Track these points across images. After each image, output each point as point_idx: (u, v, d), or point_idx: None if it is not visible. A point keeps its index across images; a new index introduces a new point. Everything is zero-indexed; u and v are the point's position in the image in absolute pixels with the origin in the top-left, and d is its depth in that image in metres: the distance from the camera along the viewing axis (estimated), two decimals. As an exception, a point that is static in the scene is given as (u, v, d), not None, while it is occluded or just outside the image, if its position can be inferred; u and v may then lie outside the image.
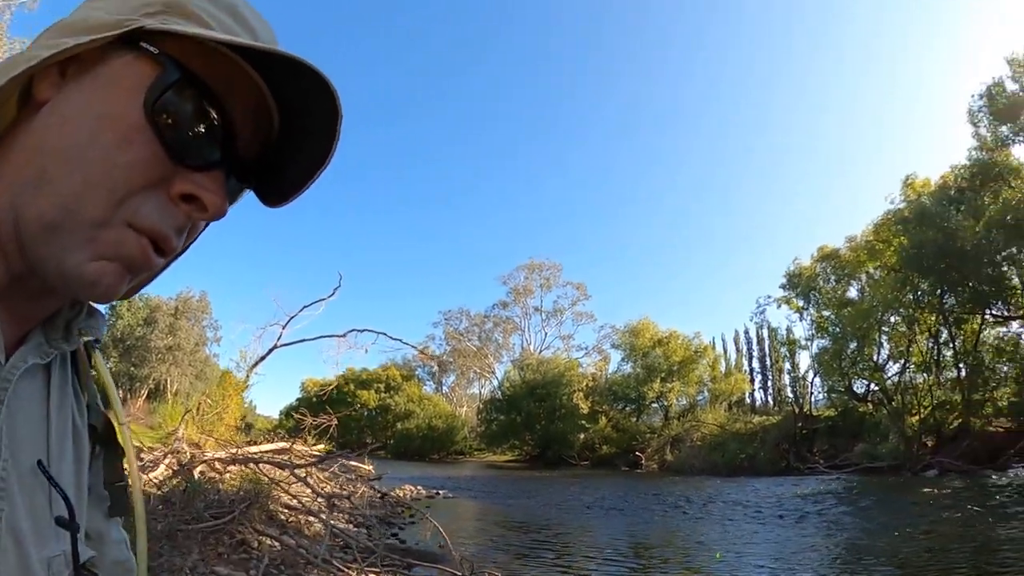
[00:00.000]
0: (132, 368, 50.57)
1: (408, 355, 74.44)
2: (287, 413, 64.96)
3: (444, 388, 76.76)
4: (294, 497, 10.20)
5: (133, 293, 0.83)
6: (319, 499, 11.28)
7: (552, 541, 12.57)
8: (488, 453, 58.93)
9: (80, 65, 0.68)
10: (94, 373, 0.88)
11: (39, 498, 0.71)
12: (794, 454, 33.27)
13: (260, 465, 10.29)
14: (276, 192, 0.81)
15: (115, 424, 0.88)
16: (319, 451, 15.25)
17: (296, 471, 10.77)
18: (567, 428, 49.29)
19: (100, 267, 0.66)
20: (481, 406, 62.89)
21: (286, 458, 12.39)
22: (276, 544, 8.51)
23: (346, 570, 7.71)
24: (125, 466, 0.89)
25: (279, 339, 20.20)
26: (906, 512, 14.09)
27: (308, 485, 10.13)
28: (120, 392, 10.65)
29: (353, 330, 17.85)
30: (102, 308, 0.85)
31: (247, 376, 19.04)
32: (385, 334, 17.46)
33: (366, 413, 66.22)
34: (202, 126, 0.68)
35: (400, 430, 61.50)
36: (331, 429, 15.54)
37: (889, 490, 19.08)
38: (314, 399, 69.66)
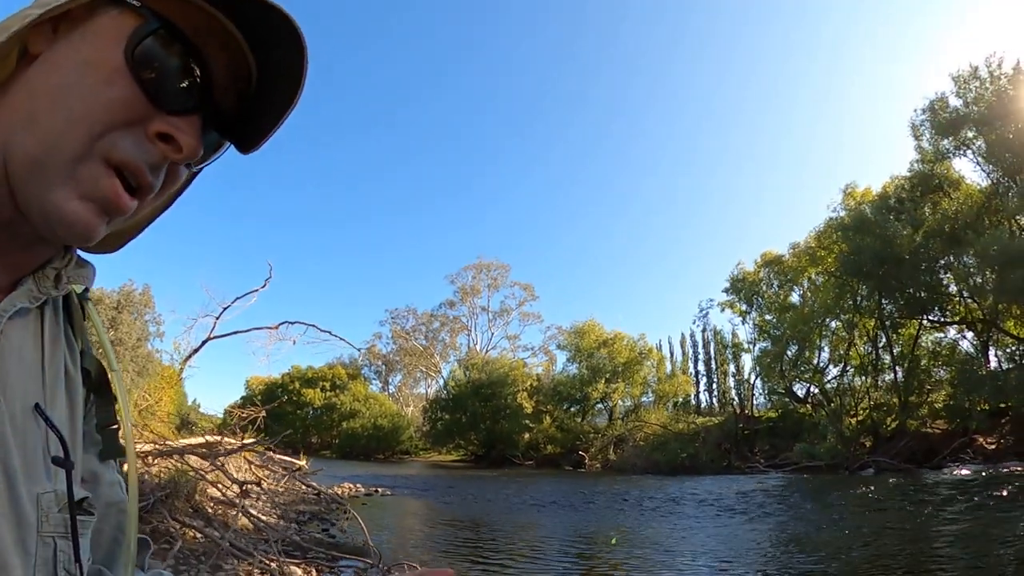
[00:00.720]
0: None
1: (354, 354, 74.12)
2: (231, 412, 64.14)
3: (391, 387, 76.40)
4: (222, 491, 9.98)
5: (120, 245, 0.91)
6: (246, 494, 11.08)
7: (481, 536, 12.62)
8: (434, 453, 58.79)
9: (70, 21, 0.72)
10: (89, 324, 0.93)
11: (32, 439, 0.73)
12: (735, 454, 33.90)
13: (186, 457, 10.03)
14: (248, 139, 0.85)
15: (108, 371, 0.90)
16: (258, 448, 14.95)
17: (220, 461, 10.56)
18: (512, 428, 49.43)
19: (78, 206, 0.69)
20: (427, 405, 62.63)
21: (214, 450, 12.20)
22: (199, 535, 8.33)
23: (268, 562, 7.55)
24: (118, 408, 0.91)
25: (212, 331, 19.90)
26: (843, 508, 14.40)
27: (228, 475, 9.86)
28: None
29: (285, 322, 17.73)
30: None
31: (181, 368, 18.66)
32: (315, 326, 17.43)
33: (311, 412, 65.74)
34: (180, 72, 0.72)
35: (346, 429, 61.13)
36: (260, 422, 15.25)
37: (827, 487, 19.47)
38: (259, 397, 69.44)
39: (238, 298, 19.01)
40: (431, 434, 58.59)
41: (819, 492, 18.34)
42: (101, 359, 0.91)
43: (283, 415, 64.73)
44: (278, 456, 17.09)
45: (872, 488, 17.78)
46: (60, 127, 0.67)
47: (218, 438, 13.25)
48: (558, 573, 8.60)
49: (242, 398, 71.97)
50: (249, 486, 11.14)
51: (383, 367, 75.56)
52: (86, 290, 0.91)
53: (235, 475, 11.17)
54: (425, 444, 60.81)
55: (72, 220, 0.68)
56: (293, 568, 7.67)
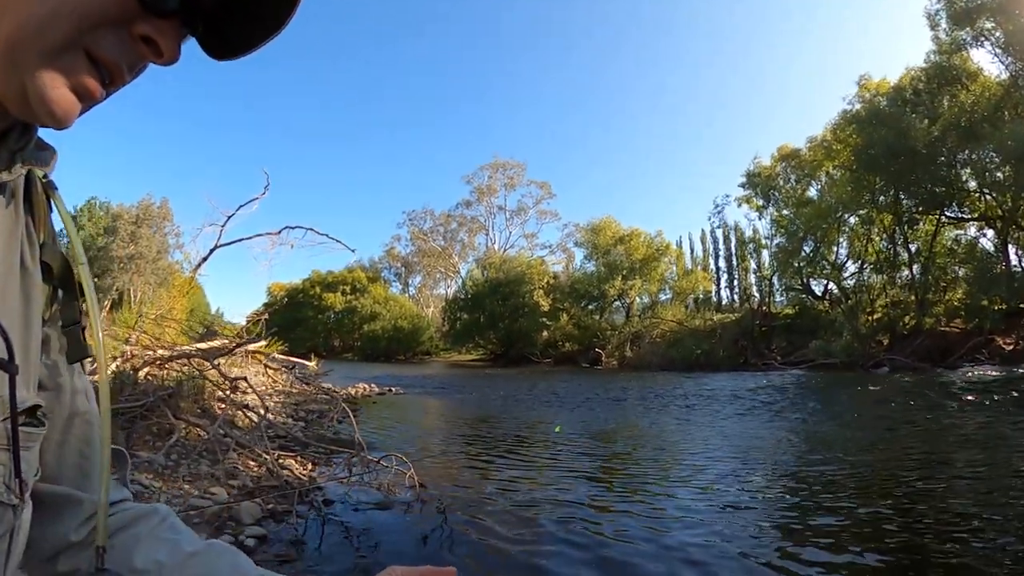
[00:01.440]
0: (95, 280, 49.82)
1: (374, 256, 74.27)
2: (254, 320, 65.09)
3: (411, 289, 77.05)
4: (227, 392, 10.19)
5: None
6: (252, 393, 11.36)
7: (481, 433, 12.67)
8: (454, 353, 59.61)
9: None
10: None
11: None
12: (752, 351, 33.96)
13: (195, 360, 10.22)
14: (227, 46, 0.82)
15: (74, 265, 0.87)
16: (264, 349, 15.22)
17: (224, 362, 10.81)
18: (530, 326, 50.00)
19: (64, 92, 0.68)
20: (445, 305, 63.19)
21: (221, 350, 12.47)
22: (204, 433, 8.56)
23: (264, 454, 7.78)
24: (84, 307, 0.88)
25: (219, 239, 20.01)
26: (857, 405, 14.26)
27: (226, 376, 10.08)
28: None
29: (286, 227, 17.56)
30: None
31: (191, 276, 18.87)
32: (313, 229, 17.22)
33: (333, 316, 66.64)
34: None
35: (367, 332, 62.07)
36: (275, 328, 15.44)
37: (842, 385, 19.32)
38: (280, 303, 70.56)
39: (241, 206, 18.95)
40: (450, 334, 59.42)
41: (834, 389, 18.20)
42: (66, 253, 0.87)
43: (305, 320, 65.93)
44: (291, 359, 17.37)
45: (886, 386, 17.63)
46: (49, 15, 0.65)
47: (229, 341, 13.46)
48: (562, 467, 8.50)
49: (264, 304, 73.30)
50: (257, 387, 11.40)
51: (403, 269, 76.14)
52: (52, 180, 0.88)
53: (250, 379, 11.47)
54: (445, 344, 61.54)
55: (55, 104, 0.67)
56: (289, 460, 7.97)
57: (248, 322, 16.39)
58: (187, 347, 11.59)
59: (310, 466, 8.23)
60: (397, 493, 6.86)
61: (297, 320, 65.57)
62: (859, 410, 13.21)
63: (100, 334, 0.88)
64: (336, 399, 11.25)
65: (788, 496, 6.36)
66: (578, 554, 4.88)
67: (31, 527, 0.77)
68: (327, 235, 17.35)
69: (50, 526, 0.85)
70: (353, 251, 18.24)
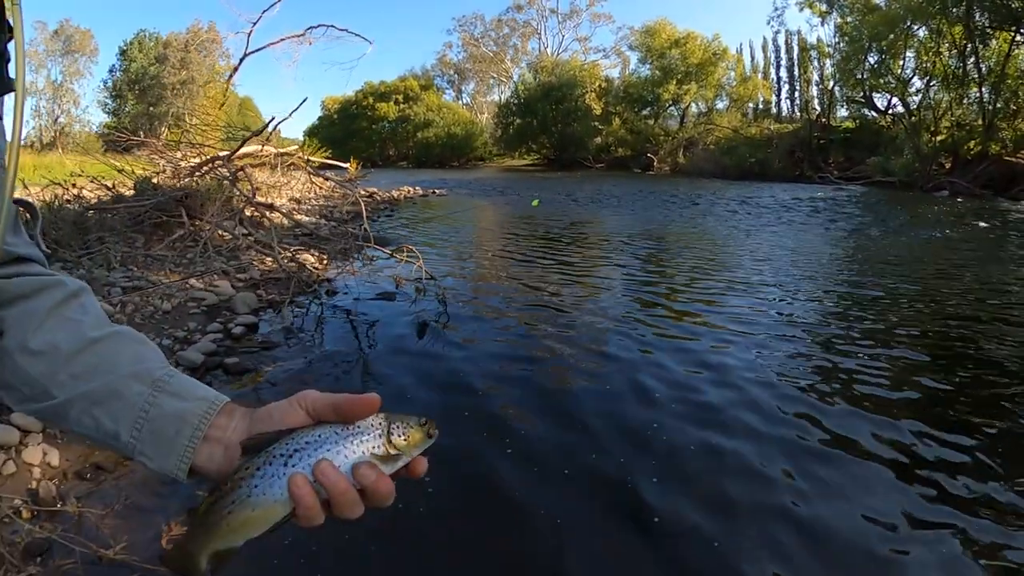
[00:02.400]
0: (150, 108, 50.07)
1: (426, 65, 72.62)
2: (309, 133, 65.58)
3: (464, 97, 75.71)
4: (256, 193, 10.22)
5: None
6: (284, 194, 11.46)
7: (513, 230, 12.65)
8: (507, 158, 59.41)
9: None
10: None
11: None
12: (808, 163, 32.98)
13: (230, 166, 10.20)
14: None
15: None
16: (302, 154, 15.14)
17: (251, 170, 10.87)
18: (582, 130, 49.16)
19: None
20: (497, 110, 62.35)
21: (262, 158, 12.54)
22: (224, 233, 8.67)
23: (283, 251, 7.86)
24: None
25: (247, 48, 19.60)
26: (915, 224, 13.66)
27: (248, 184, 10.06)
28: (141, 133, 10.71)
29: (310, 28, 17.15)
30: None
31: (226, 87, 18.77)
32: (334, 26, 16.83)
33: (386, 125, 66.43)
34: None
35: (420, 140, 61.87)
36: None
37: (899, 204, 18.56)
38: (335, 116, 70.52)
39: (264, 11, 18.47)
40: (503, 139, 59.02)
41: (892, 208, 17.38)
42: None
43: (359, 131, 65.97)
44: (330, 162, 17.37)
45: (946, 210, 16.75)
46: None
47: (260, 147, 13.36)
48: (590, 265, 8.49)
49: (319, 118, 73.19)
50: (296, 192, 11.48)
51: (455, 77, 74.46)
52: None
53: (289, 184, 11.57)
54: (498, 150, 61.19)
55: None
56: (306, 256, 8.06)
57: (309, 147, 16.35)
58: (219, 152, 11.54)
59: (326, 261, 8.34)
60: (403, 285, 6.90)
61: (352, 132, 65.82)
62: (916, 231, 12.56)
63: (24, 70, 0.83)
64: (353, 193, 11.19)
65: (834, 315, 5.94)
66: (577, 353, 4.69)
67: None
68: (346, 29, 16.92)
69: None
70: (370, 43, 17.88)
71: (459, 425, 3.52)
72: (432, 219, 14.66)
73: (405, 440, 0.81)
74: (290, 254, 7.80)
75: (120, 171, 10.01)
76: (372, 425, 0.80)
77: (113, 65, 51.79)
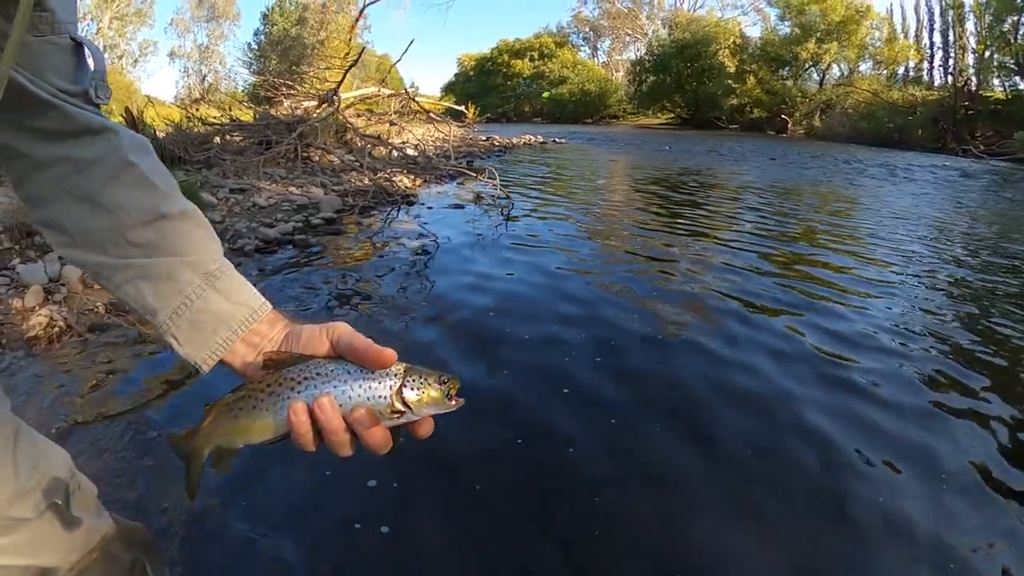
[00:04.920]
0: (293, 67, 51.93)
1: (562, 22, 72.15)
2: (446, 89, 66.73)
3: (600, 54, 74.89)
4: (363, 130, 10.87)
5: None
6: (404, 137, 12.29)
7: (629, 174, 12.71)
8: (641, 116, 58.27)
9: None
10: None
11: None
12: (952, 134, 30.43)
13: (337, 99, 10.89)
14: None
15: None
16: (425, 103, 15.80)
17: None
18: (716, 89, 47.90)
19: None
20: (631, 67, 61.33)
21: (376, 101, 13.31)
22: (335, 159, 9.39)
23: (384, 171, 8.55)
24: None
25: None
26: None
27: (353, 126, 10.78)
28: (283, 90, 11.46)
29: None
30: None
31: (349, 37, 19.45)
32: None
33: (521, 82, 66.60)
34: None
35: (554, 95, 61.66)
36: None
37: None
38: (471, 73, 71.38)
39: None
40: (636, 97, 57.99)
41: None
42: None
43: (495, 87, 66.58)
44: (451, 106, 17.84)
45: None
46: None
47: (377, 89, 14.02)
48: (690, 214, 7.81)
49: (455, 75, 74.34)
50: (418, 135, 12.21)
51: (590, 33, 73.64)
52: None
53: (409, 129, 12.34)
54: (632, 108, 60.25)
55: None
56: (401, 177, 8.71)
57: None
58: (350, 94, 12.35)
59: (419, 182, 8.95)
60: (481, 201, 7.40)
61: (487, 88, 66.64)
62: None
63: None
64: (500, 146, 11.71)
65: (967, 300, 4.71)
66: (658, 293, 4.25)
67: None
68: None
69: None
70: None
71: (490, 333, 3.33)
72: (542, 162, 14.71)
73: (417, 397, 0.82)
74: (386, 174, 8.51)
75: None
76: (386, 373, 0.82)
77: (257, 29, 54.64)
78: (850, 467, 2.26)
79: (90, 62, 0.89)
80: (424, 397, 0.82)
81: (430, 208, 7.02)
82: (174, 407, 2.42)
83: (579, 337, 3.31)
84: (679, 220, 7.14)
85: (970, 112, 31.98)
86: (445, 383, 0.83)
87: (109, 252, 0.89)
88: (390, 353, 0.80)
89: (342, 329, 0.85)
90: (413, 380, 0.82)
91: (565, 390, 2.74)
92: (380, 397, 0.81)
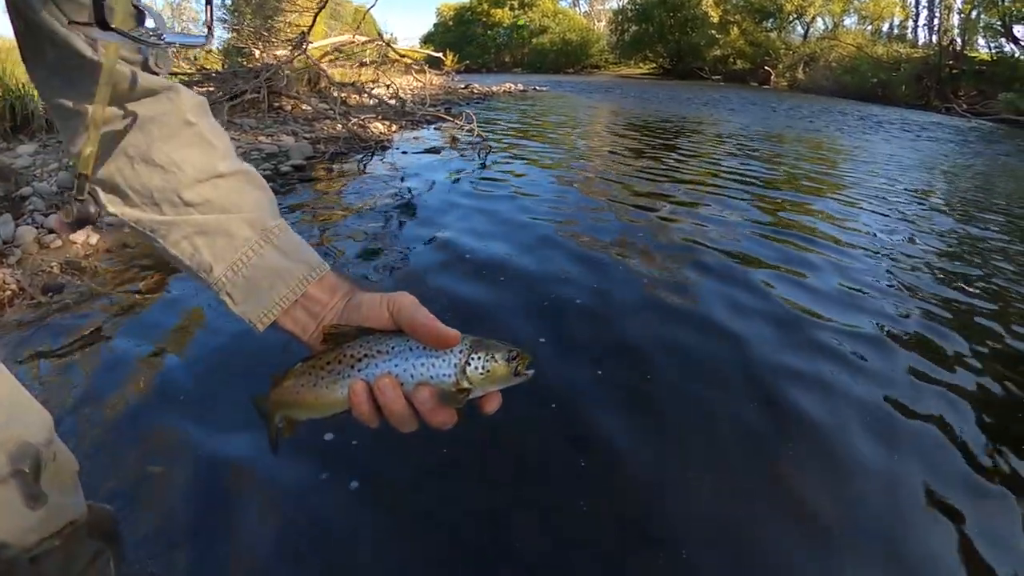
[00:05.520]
0: (268, 20, 51.02)
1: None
2: (425, 40, 65.83)
3: (581, 3, 74.06)
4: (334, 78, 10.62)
5: None
6: (371, 75, 11.91)
7: (604, 119, 12.46)
8: (623, 67, 58.01)
9: None
10: None
11: None
12: (936, 91, 30.69)
13: (307, 43, 10.61)
14: None
15: None
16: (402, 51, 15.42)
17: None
18: (699, 39, 47.56)
19: None
20: (613, 16, 60.93)
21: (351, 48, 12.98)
22: (308, 108, 9.13)
23: (358, 118, 8.30)
24: None
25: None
26: None
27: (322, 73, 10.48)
28: (260, 45, 11.17)
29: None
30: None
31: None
32: None
33: (501, 32, 65.93)
34: None
35: (535, 45, 61.18)
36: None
37: None
38: (450, 23, 70.49)
39: None
40: (618, 46, 57.76)
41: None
42: None
43: (474, 37, 65.90)
44: (429, 53, 17.51)
45: None
46: None
47: (351, 37, 13.69)
48: (662, 153, 7.93)
49: (434, 25, 73.36)
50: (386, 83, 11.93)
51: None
52: None
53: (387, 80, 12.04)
54: (614, 58, 59.90)
55: None
56: (376, 123, 8.48)
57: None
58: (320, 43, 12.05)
59: (396, 128, 8.72)
60: (457, 144, 7.21)
61: (467, 38, 65.88)
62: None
63: None
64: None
65: (939, 253, 4.64)
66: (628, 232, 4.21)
67: None
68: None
69: None
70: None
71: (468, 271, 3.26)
72: (518, 109, 14.49)
73: (483, 375, 0.78)
74: (360, 120, 8.26)
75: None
76: (450, 350, 0.78)
77: (229, -17, 53.19)
78: (800, 425, 2.16)
79: (150, 24, 0.82)
80: (490, 375, 0.77)
81: (404, 153, 6.86)
82: (126, 367, 2.28)
83: (551, 285, 3.18)
84: (655, 166, 7.06)
85: (954, 71, 32.18)
86: (514, 359, 0.78)
87: (164, 211, 0.87)
88: (453, 333, 0.75)
89: (404, 300, 0.80)
90: (479, 357, 0.77)
91: (542, 339, 2.64)
92: (444, 376, 0.77)
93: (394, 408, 0.75)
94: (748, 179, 6.51)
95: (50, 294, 2.86)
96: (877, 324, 3.09)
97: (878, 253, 4.31)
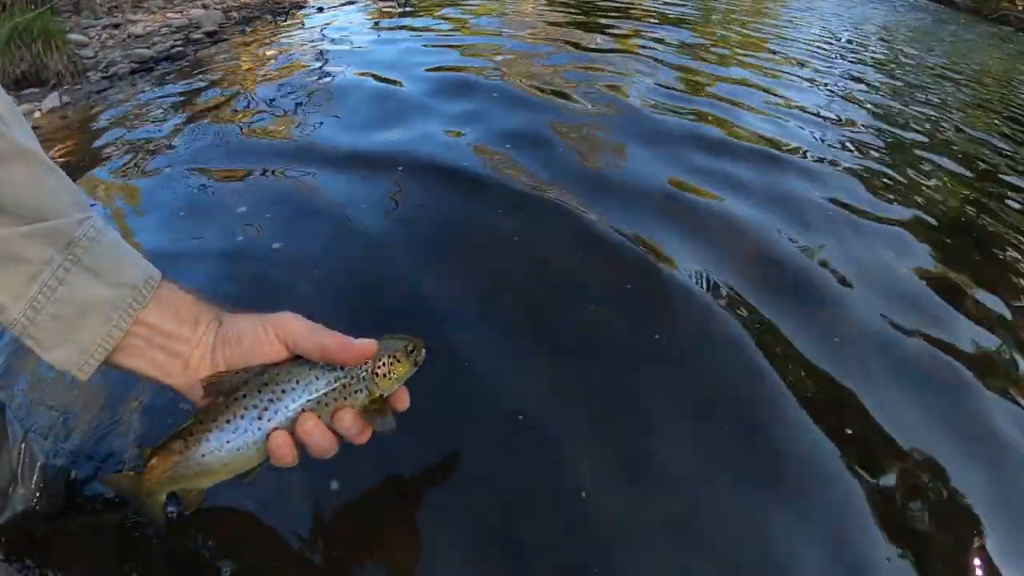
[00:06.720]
0: None
1: None
2: None
3: None
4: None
5: None
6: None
7: None
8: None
9: None
10: None
11: None
12: None
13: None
14: None
15: None
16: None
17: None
18: None
19: None
20: None
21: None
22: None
23: None
24: None
25: None
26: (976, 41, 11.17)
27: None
28: None
29: None
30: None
31: None
32: None
33: None
34: None
35: None
36: None
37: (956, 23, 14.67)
38: None
39: None
40: None
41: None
42: None
43: None
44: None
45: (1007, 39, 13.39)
46: None
47: None
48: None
49: None
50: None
51: None
52: None
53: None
54: None
55: None
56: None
57: None
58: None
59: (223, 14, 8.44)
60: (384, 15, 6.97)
61: None
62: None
63: None
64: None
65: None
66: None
67: None
68: None
69: None
70: None
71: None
72: None
73: (391, 378, 0.75)
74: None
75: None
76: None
77: None
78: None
79: None
80: (397, 375, 0.76)
81: (321, 10, 6.59)
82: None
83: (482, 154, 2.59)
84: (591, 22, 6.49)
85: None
86: (412, 352, 0.78)
87: None
88: (369, 343, 0.71)
89: (294, 324, 0.71)
90: (384, 362, 0.75)
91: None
92: (357, 392, 0.73)
93: (323, 445, 0.70)
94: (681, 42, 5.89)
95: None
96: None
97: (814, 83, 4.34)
